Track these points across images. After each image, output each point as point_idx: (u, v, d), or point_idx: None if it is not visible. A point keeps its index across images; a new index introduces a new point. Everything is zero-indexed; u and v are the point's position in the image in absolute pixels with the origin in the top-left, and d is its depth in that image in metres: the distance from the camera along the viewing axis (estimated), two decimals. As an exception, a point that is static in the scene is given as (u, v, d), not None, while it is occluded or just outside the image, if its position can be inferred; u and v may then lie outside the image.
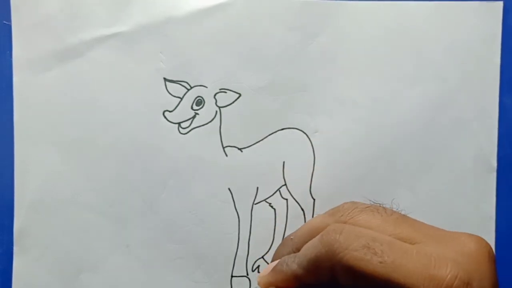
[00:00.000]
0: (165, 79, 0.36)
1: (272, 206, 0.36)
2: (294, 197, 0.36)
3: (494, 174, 0.36)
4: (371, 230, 0.22)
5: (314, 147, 0.36)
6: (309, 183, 0.36)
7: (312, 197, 0.36)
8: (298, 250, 0.25)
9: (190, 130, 0.36)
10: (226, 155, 0.36)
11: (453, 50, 0.36)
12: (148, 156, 0.36)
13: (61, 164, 0.36)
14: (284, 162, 0.36)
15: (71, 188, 0.36)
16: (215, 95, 0.36)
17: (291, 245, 0.27)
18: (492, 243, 0.36)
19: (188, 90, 0.36)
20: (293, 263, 0.24)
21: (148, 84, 0.36)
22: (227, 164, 0.36)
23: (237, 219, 0.36)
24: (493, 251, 0.22)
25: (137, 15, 0.36)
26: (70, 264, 0.36)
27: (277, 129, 0.36)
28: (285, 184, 0.36)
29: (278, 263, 0.25)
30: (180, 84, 0.36)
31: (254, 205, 0.36)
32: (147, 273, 0.36)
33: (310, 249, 0.23)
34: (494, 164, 0.36)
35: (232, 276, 0.36)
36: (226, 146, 0.36)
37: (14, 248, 0.36)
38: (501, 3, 0.36)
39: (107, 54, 0.36)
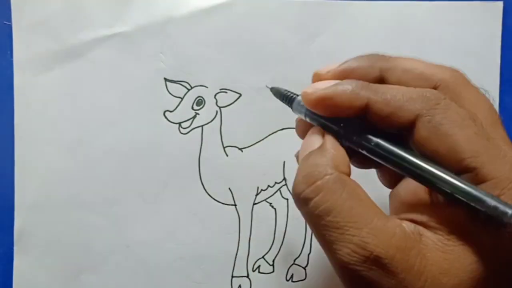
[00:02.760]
0: (165, 79, 0.36)
1: (272, 206, 0.36)
2: (295, 197, 0.36)
3: None
4: None
5: (314, 147, 0.36)
6: (310, 183, 0.36)
7: (313, 197, 0.36)
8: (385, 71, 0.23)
9: (190, 130, 0.36)
10: (226, 155, 0.36)
11: (453, 50, 0.36)
12: (148, 156, 0.36)
13: (61, 164, 0.36)
14: (284, 162, 0.36)
15: (71, 188, 0.36)
16: (215, 95, 0.36)
17: (382, 61, 0.24)
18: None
19: (189, 90, 0.36)
20: (374, 90, 0.22)
21: (149, 84, 0.36)
22: (227, 164, 0.36)
23: (238, 219, 0.36)
24: None
25: (138, 15, 0.36)
26: (70, 264, 0.36)
27: (277, 129, 0.36)
28: (286, 184, 0.36)
29: (347, 82, 0.23)
30: (181, 84, 0.36)
31: (254, 205, 0.36)
32: (147, 273, 0.36)
33: (405, 90, 0.21)
34: (494, 164, 0.36)
35: (232, 277, 0.36)
36: (226, 146, 0.36)
37: (15, 248, 0.36)
38: (501, 3, 0.36)
39: (107, 54, 0.36)
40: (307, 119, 0.25)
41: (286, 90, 0.27)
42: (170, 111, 0.36)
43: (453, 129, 0.20)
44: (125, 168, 0.36)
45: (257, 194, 0.36)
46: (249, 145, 0.36)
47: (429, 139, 0.20)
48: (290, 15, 0.36)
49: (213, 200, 0.36)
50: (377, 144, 0.22)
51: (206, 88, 0.36)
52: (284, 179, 0.36)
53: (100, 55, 0.36)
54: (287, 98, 0.27)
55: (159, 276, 0.36)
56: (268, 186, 0.36)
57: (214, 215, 0.36)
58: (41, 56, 0.36)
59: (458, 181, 0.20)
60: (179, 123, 0.36)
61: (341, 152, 0.22)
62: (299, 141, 0.38)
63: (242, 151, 0.36)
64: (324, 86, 0.23)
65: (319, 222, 0.20)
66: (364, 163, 0.25)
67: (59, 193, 0.36)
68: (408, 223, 0.20)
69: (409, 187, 0.24)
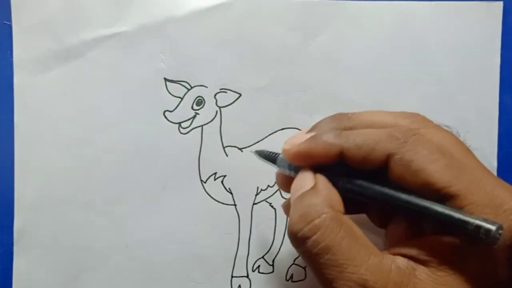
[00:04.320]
0: (165, 79, 0.36)
1: (272, 206, 0.36)
2: (294, 197, 0.36)
3: (495, 174, 0.36)
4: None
5: (314, 147, 0.36)
6: (309, 183, 0.36)
7: (312, 197, 0.36)
8: (349, 128, 0.24)
9: (190, 130, 0.36)
10: (226, 155, 0.36)
11: (453, 50, 0.36)
12: (148, 156, 0.36)
13: (61, 164, 0.36)
14: (284, 162, 0.36)
15: (71, 188, 0.36)
16: (215, 95, 0.36)
17: (346, 121, 0.25)
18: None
19: (189, 90, 0.36)
20: (345, 137, 0.23)
21: (149, 84, 0.36)
22: (227, 164, 0.36)
23: (238, 219, 0.36)
24: None
25: (137, 15, 0.36)
26: (70, 264, 0.36)
27: (277, 129, 0.36)
28: (285, 184, 0.36)
29: (319, 132, 0.24)
30: (181, 84, 0.36)
31: (254, 205, 0.36)
32: (147, 273, 0.36)
33: (374, 134, 0.22)
34: (494, 163, 0.36)
35: (232, 277, 0.36)
36: (226, 146, 0.36)
37: (14, 248, 0.36)
38: (501, 3, 0.36)
39: (107, 54, 0.36)
40: (293, 172, 0.26)
41: (268, 151, 0.30)
42: (170, 111, 0.36)
43: (424, 164, 0.21)
44: (125, 168, 0.36)
45: (257, 194, 0.36)
46: (249, 145, 0.36)
47: (403, 175, 0.21)
48: (290, 15, 0.36)
49: (213, 200, 0.36)
50: (360, 185, 0.23)
51: (206, 88, 0.36)
52: (284, 179, 0.36)
53: (100, 55, 0.36)
54: (270, 157, 0.29)
55: (159, 276, 0.36)
56: (268, 186, 0.36)
57: (214, 215, 0.36)
58: (41, 56, 0.36)
59: (437, 206, 0.20)
60: (179, 123, 0.36)
61: (334, 191, 0.23)
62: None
63: (242, 151, 0.36)
64: (299, 142, 0.24)
65: (318, 261, 0.21)
66: (351, 207, 0.25)
67: (59, 193, 0.36)
68: (401, 259, 0.21)
69: (399, 222, 0.24)
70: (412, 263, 0.21)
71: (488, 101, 0.36)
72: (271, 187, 0.36)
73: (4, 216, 0.36)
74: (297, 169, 0.26)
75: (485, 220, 0.19)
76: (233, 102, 0.36)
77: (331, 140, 0.23)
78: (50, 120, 0.36)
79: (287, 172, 0.27)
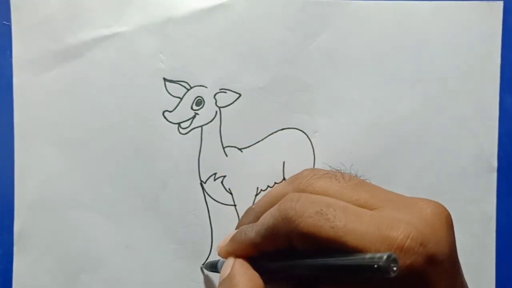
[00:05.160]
0: (165, 79, 0.36)
1: (272, 206, 0.36)
2: (294, 197, 0.36)
3: (495, 174, 0.36)
4: (329, 196, 0.23)
5: (314, 147, 0.36)
6: (309, 183, 0.36)
7: (312, 197, 0.36)
8: (258, 219, 0.25)
9: (190, 130, 0.36)
10: (226, 155, 0.36)
11: (453, 50, 0.36)
12: (148, 156, 0.36)
13: (61, 164, 0.36)
14: (284, 162, 0.36)
15: (71, 188, 0.36)
16: (215, 95, 0.36)
17: (252, 215, 0.27)
18: (492, 243, 0.36)
19: (188, 90, 0.36)
20: (252, 232, 0.24)
21: (148, 84, 0.36)
22: (227, 164, 0.36)
23: (237, 219, 0.36)
24: (451, 217, 0.22)
25: (137, 15, 0.36)
26: (70, 264, 0.36)
27: (277, 129, 0.36)
28: (285, 184, 0.36)
29: (236, 232, 0.26)
30: (180, 84, 0.36)
31: (254, 205, 0.36)
32: (147, 273, 0.36)
33: (267, 218, 0.23)
34: (495, 163, 0.36)
35: (232, 276, 0.36)
36: (226, 146, 0.36)
37: (14, 248, 0.36)
38: (501, 3, 0.36)
39: (107, 54, 0.36)
40: None
41: (209, 261, 0.34)
42: (169, 111, 0.36)
43: (315, 228, 0.21)
44: (125, 168, 0.36)
45: (256, 194, 0.36)
46: (248, 145, 0.36)
47: (301, 246, 0.22)
48: (290, 15, 0.36)
49: (213, 200, 0.36)
50: (275, 265, 0.24)
51: (206, 88, 0.36)
52: (284, 179, 0.36)
53: (100, 55, 0.36)
54: (213, 265, 0.32)
55: (159, 276, 0.36)
56: (268, 186, 0.36)
57: (214, 215, 0.36)
58: (40, 56, 0.36)
59: (334, 259, 0.20)
60: (179, 123, 0.36)
61: (251, 276, 0.24)
62: (299, 141, 0.38)
63: (241, 151, 0.36)
64: (223, 244, 0.27)
65: None
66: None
67: (59, 193, 0.36)
68: None
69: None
70: None
71: (488, 101, 0.36)
72: (271, 187, 0.36)
73: (4, 216, 0.36)
74: None
75: (373, 254, 0.18)
76: (233, 102, 0.36)
77: (243, 238, 0.25)
78: (50, 120, 0.36)
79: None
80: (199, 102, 0.36)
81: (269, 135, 0.36)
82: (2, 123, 0.36)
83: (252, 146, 0.36)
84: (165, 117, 0.36)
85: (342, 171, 0.25)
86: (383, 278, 0.18)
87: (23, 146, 0.36)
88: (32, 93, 0.36)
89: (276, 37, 0.36)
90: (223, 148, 0.36)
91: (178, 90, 0.36)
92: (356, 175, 0.25)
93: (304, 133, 0.36)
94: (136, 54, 0.36)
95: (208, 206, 0.36)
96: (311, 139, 0.36)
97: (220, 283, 0.25)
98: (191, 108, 0.36)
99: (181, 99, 0.36)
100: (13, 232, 0.36)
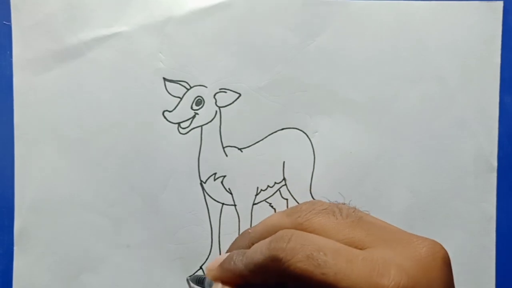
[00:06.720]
0: (164, 79, 0.36)
1: (272, 206, 0.36)
2: (294, 197, 0.36)
3: (495, 174, 0.36)
4: (324, 233, 0.23)
5: (314, 147, 0.36)
6: (309, 182, 0.36)
7: (312, 197, 0.36)
8: (251, 246, 0.25)
9: (190, 130, 0.36)
10: (226, 155, 0.36)
11: (453, 50, 0.36)
12: (148, 156, 0.36)
13: (61, 164, 0.36)
14: (284, 162, 0.36)
15: (71, 188, 0.36)
16: (215, 95, 0.36)
17: (247, 239, 0.27)
18: (492, 243, 0.36)
19: (188, 90, 0.36)
20: (241, 263, 0.24)
21: (148, 84, 0.36)
22: (227, 164, 0.36)
23: (237, 219, 0.36)
24: (448, 257, 0.22)
25: (137, 15, 0.36)
26: (70, 264, 0.36)
27: (277, 129, 0.36)
28: (285, 184, 0.36)
29: (226, 258, 0.26)
30: (180, 84, 0.36)
31: (254, 205, 0.36)
32: (147, 273, 0.36)
33: (257, 253, 0.23)
34: (495, 163, 0.36)
35: (232, 276, 0.36)
36: (226, 146, 0.36)
37: (15, 248, 0.36)
38: (501, 3, 0.36)
39: (106, 54, 0.36)
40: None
41: (196, 275, 0.34)
42: (169, 111, 0.36)
43: (300, 272, 0.21)
44: (125, 168, 0.36)
45: (256, 194, 0.36)
46: (248, 145, 0.36)
47: (291, 284, 0.21)
48: (290, 15, 0.36)
49: (213, 200, 0.36)
50: None
51: (206, 88, 0.36)
52: (284, 179, 0.36)
53: (100, 55, 0.36)
54: (200, 280, 0.31)
55: (159, 276, 0.36)
56: (268, 186, 0.36)
57: (214, 215, 0.36)
58: (40, 56, 0.36)
59: None
60: (178, 123, 0.36)
61: None
62: (299, 141, 0.38)
63: (241, 151, 0.36)
64: (211, 268, 0.26)
65: None
66: None
67: (59, 193, 0.36)
68: None
69: None
70: None
71: (488, 101, 0.36)
72: (271, 187, 0.36)
73: (4, 216, 0.36)
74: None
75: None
76: (233, 102, 0.36)
77: (232, 268, 0.24)
78: (50, 120, 0.36)
79: None
80: (199, 102, 0.36)
81: (269, 135, 0.36)
82: (2, 123, 0.36)
83: (252, 146, 0.36)
84: (165, 117, 0.36)
85: (342, 205, 0.25)
86: None
87: (23, 146, 0.36)
88: (32, 93, 0.36)
89: (276, 37, 0.36)
90: (223, 148, 0.36)
91: (178, 90, 0.36)
92: (355, 208, 0.25)
93: (304, 133, 0.36)
94: (136, 54, 0.36)
95: (208, 206, 0.36)
96: (311, 139, 0.36)
97: None
98: (191, 108, 0.36)
99: (181, 99, 0.36)
100: (13, 232, 0.36)
